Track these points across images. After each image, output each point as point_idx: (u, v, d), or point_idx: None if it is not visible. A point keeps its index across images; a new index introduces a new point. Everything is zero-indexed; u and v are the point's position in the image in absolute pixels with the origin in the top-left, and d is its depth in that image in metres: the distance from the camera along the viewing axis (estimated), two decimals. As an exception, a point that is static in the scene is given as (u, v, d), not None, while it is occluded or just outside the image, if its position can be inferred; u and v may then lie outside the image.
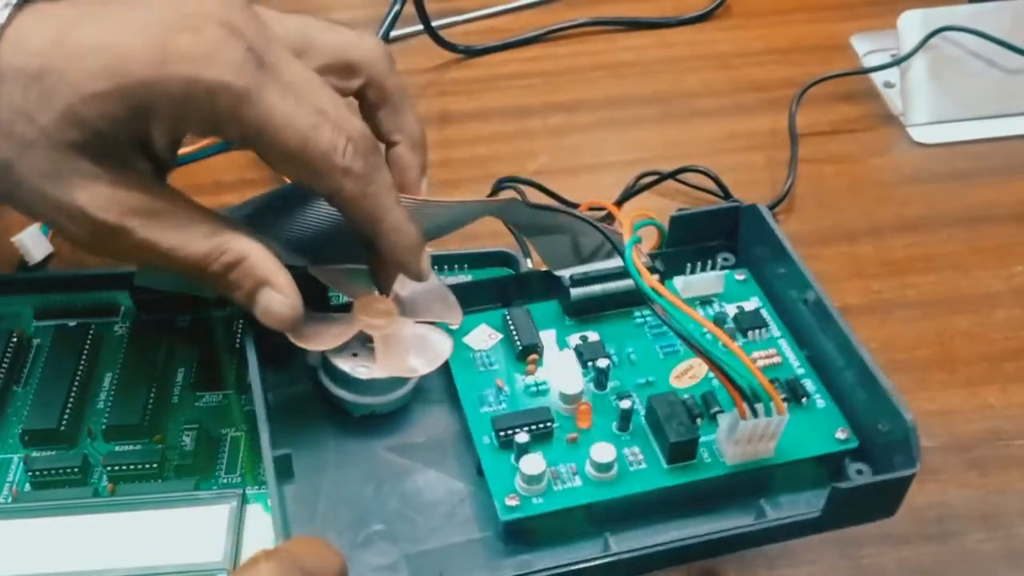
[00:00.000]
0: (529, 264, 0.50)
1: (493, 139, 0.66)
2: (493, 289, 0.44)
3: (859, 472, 0.38)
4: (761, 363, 0.41)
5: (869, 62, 0.70)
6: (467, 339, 0.42)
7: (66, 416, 0.43)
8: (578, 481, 0.37)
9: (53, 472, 0.41)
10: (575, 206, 0.48)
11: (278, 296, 0.36)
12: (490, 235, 0.56)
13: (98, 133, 0.33)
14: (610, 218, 0.52)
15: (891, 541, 0.45)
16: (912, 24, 0.66)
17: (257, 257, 0.36)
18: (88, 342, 0.46)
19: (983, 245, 0.58)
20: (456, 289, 0.42)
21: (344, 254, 0.42)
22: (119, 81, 0.32)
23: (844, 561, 0.44)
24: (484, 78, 0.71)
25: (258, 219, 0.42)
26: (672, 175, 0.60)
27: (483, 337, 0.42)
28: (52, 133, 0.32)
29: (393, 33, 0.65)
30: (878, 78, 0.69)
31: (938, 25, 0.65)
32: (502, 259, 0.49)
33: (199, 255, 0.35)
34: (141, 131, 0.34)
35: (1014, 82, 0.65)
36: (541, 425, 0.38)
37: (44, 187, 0.33)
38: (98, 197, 0.33)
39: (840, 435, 0.39)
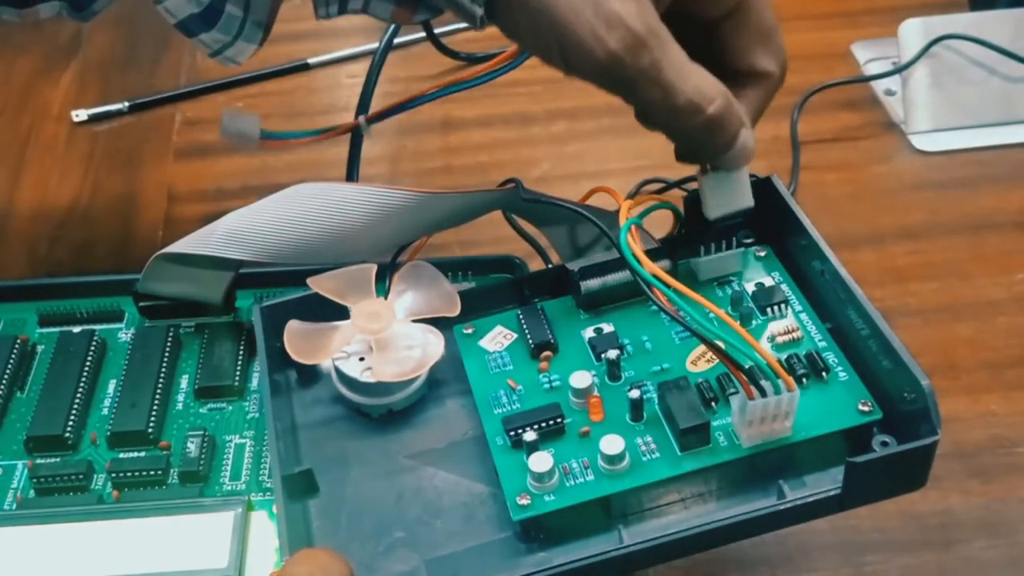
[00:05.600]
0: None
1: (495, 146, 0.66)
2: (508, 290, 0.44)
3: (884, 444, 0.36)
4: (780, 339, 0.40)
5: (870, 70, 0.70)
6: (483, 342, 0.42)
7: (70, 423, 0.43)
8: (590, 475, 0.37)
9: (57, 479, 0.41)
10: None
11: (751, 133, 0.40)
12: (492, 242, 0.56)
13: None
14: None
15: (894, 549, 0.45)
16: (913, 32, 0.66)
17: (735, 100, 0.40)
18: (92, 348, 0.46)
19: (985, 253, 0.58)
20: (471, 293, 0.42)
21: (342, 254, 0.42)
22: None
23: (847, 568, 0.44)
24: (486, 85, 0.71)
25: (258, 222, 0.43)
26: (678, 184, 0.60)
27: (498, 338, 0.42)
28: None
29: (396, 40, 0.65)
30: (879, 86, 0.69)
31: (939, 33, 0.65)
32: (505, 265, 0.49)
33: (702, 90, 0.39)
34: None
35: (1015, 90, 0.65)
36: (551, 422, 0.38)
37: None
38: (631, 10, 0.40)
39: (863, 407, 0.37)
